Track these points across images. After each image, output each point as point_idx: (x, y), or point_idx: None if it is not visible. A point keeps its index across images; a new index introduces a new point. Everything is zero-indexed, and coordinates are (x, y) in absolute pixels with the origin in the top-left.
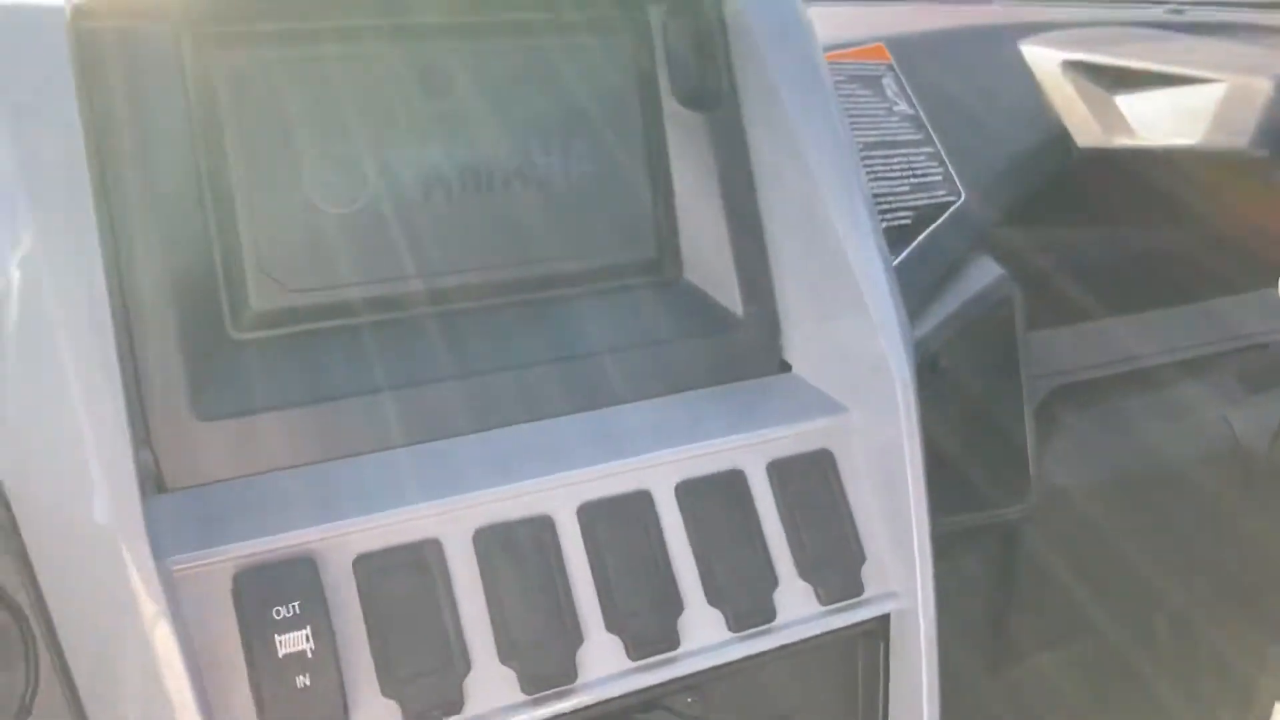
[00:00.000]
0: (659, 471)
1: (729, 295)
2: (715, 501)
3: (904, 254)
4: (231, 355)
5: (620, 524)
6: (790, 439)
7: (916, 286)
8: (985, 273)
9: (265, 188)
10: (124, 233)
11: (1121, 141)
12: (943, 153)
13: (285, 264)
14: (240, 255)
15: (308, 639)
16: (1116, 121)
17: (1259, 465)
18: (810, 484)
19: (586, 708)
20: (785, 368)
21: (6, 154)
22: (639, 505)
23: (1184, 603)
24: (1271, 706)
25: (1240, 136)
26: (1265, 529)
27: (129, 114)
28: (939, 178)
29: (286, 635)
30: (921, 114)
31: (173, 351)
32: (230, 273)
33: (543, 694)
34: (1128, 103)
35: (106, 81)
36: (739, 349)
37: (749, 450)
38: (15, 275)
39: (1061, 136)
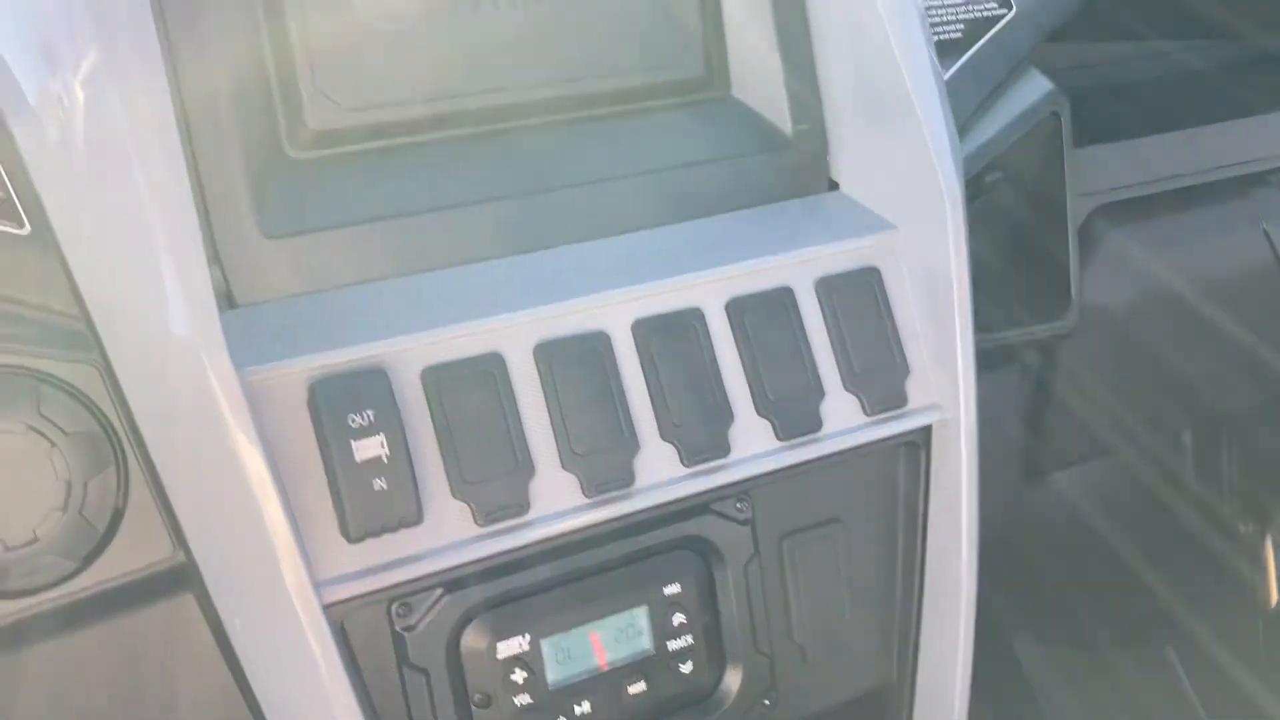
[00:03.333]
0: (710, 289)
1: (777, 112)
2: (764, 317)
3: (954, 68)
4: (291, 175)
5: (673, 339)
6: (838, 256)
7: (965, 102)
8: (1034, 87)
9: (318, 6)
10: (181, 54)
11: None
12: None
13: (340, 83)
14: (295, 75)
15: (382, 445)
16: None
17: None
18: (857, 300)
19: (642, 510)
20: (833, 186)
21: None
22: (691, 321)
23: (1214, 418)
24: None
25: None
26: None
27: None
28: None
29: (362, 441)
30: None
31: (235, 172)
32: (286, 93)
33: (602, 497)
34: None
35: None
36: (787, 167)
37: (797, 267)
38: (83, 97)
39: None
